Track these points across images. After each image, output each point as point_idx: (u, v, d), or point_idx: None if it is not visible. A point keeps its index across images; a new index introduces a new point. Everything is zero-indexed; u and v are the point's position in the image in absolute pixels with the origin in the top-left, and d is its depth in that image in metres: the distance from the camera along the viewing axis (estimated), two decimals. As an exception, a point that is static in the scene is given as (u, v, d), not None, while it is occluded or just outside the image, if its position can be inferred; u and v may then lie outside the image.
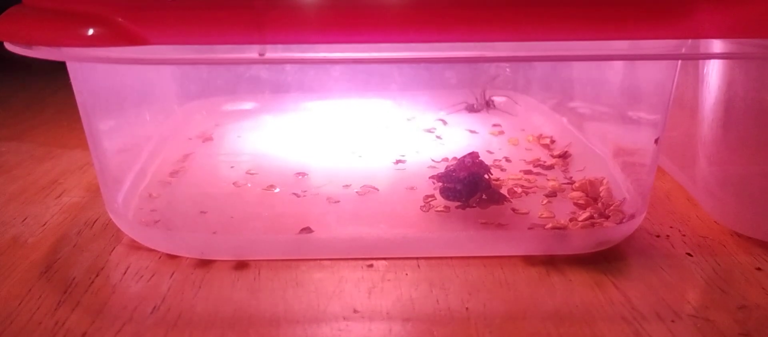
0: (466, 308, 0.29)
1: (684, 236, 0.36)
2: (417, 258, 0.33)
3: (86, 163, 0.46)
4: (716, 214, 0.37)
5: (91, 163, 0.45)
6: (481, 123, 0.51)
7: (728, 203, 0.36)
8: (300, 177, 0.41)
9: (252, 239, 0.35)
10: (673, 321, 0.28)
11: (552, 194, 0.38)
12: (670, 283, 0.31)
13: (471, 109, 0.53)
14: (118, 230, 0.36)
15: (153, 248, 0.34)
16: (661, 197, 0.40)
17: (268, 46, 0.27)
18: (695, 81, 0.37)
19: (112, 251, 0.34)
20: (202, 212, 0.37)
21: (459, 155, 0.38)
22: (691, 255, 0.34)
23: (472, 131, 0.49)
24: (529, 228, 0.34)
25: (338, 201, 0.38)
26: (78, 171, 0.45)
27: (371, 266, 0.33)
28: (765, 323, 0.28)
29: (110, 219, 0.37)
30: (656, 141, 0.34)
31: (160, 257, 0.33)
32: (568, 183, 0.40)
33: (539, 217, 0.36)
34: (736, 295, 0.30)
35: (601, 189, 0.37)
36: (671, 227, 0.37)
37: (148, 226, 0.35)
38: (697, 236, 0.36)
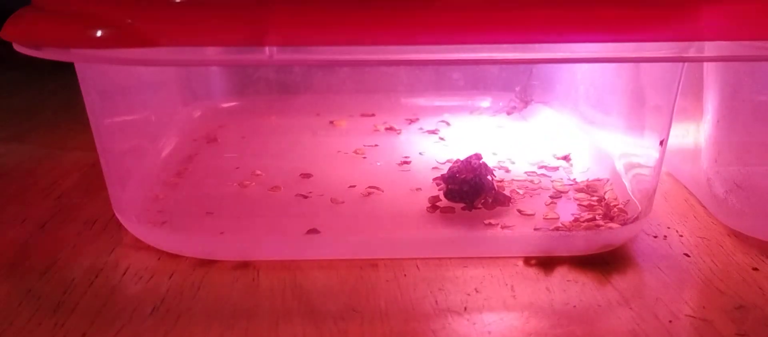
0: (465, 308, 0.29)
1: (681, 236, 0.36)
2: (416, 259, 0.33)
3: (86, 165, 0.46)
4: (721, 214, 0.37)
5: (91, 165, 0.45)
6: (484, 124, 0.51)
7: (733, 203, 0.36)
8: (305, 178, 0.41)
9: (259, 239, 0.35)
10: (670, 321, 0.28)
11: (556, 196, 0.38)
12: (667, 283, 0.31)
13: (512, 109, 0.53)
14: (118, 231, 0.36)
15: (160, 248, 0.34)
16: (659, 198, 0.40)
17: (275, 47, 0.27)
18: (700, 82, 0.37)
19: (112, 251, 0.34)
20: (208, 212, 0.37)
21: (462, 157, 0.38)
22: (688, 256, 0.34)
23: (475, 132, 0.49)
24: (535, 229, 0.34)
25: (343, 202, 0.38)
26: (77, 172, 0.45)
27: (371, 266, 0.33)
28: (762, 323, 0.28)
29: (109, 220, 0.37)
30: (661, 142, 0.34)
31: (159, 258, 0.33)
32: (572, 184, 0.40)
33: (544, 218, 0.36)
34: (734, 295, 0.30)
35: (605, 191, 0.38)
36: (669, 228, 0.37)
37: (156, 226, 0.35)
38: (695, 236, 0.36)
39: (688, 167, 0.41)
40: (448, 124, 0.51)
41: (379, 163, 0.44)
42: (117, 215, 0.36)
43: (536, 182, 0.40)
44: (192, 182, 0.41)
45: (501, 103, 0.54)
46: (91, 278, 0.32)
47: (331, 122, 0.51)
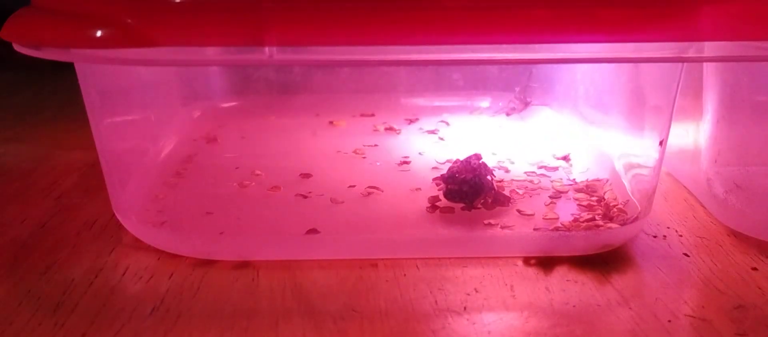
0: (464, 308, 0.29)
1: (681, 236, 0.36)
2: (416, 259, 0.33)
3: (85, 165, 0.46)
4: (720, 214, 0.37)
5: (91, 165, 0.45)
6: (484, 124, 0.51)
7: (732, 203, 0.36)
8: (305, 178, 0.41)
9: (258, 239, 0.35)
10: (669, 321, 0.28)
11: (556, 196, 0.38)
12: (667, 283, 0.31)
13: (511, 110, 0.53)
14: (117, 231, 0.36)
15: (160, 248, 0.34)
16: (658, 198, 0.40)
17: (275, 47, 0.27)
18: (700, 82, 0.37)
19: (111, 252, 0.34)
20: (208, 212, 0.37)
21: (462, 157, 0.38)
22: (688, 255, 0.34)
23: (475, 133, 0.49)
24: (534, 229, 0.35)
25: (343, 202, 0.38)
26: (77, 172, 0.45)
27: (371, 266, 0.33)
28: (761, 322, 0.28)
29: (109, 220, 0.37)
30: (661, 143, 0.34)
31: (159, 258, 0.33)
32: (571, 185, 0.40)
33: (543, 218, 0.36)
34: (733, 295, 0.30)
35: (605, 191, 0.38)
36: (668, 228, 0.37)
37: (156, 226, 0.35)
38: (695, 236, 0.36)
39: (687, 167, 0.41)
40: (447, 124, 0.51)
41: (378, 163, 0.44)
42: (117, 215, 0.36)
43: (536, 182, 0.40)
44: (192, 182, 0.41)
45: (501, 104, 0.54)
46: (90, 278, 0.32)
47: (331, 122, 0.51)
